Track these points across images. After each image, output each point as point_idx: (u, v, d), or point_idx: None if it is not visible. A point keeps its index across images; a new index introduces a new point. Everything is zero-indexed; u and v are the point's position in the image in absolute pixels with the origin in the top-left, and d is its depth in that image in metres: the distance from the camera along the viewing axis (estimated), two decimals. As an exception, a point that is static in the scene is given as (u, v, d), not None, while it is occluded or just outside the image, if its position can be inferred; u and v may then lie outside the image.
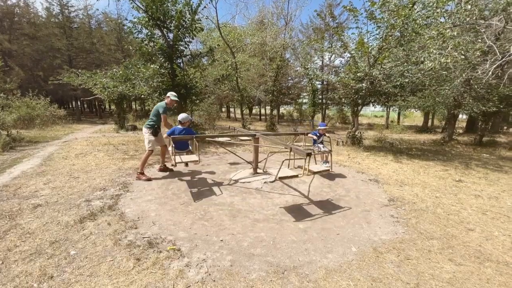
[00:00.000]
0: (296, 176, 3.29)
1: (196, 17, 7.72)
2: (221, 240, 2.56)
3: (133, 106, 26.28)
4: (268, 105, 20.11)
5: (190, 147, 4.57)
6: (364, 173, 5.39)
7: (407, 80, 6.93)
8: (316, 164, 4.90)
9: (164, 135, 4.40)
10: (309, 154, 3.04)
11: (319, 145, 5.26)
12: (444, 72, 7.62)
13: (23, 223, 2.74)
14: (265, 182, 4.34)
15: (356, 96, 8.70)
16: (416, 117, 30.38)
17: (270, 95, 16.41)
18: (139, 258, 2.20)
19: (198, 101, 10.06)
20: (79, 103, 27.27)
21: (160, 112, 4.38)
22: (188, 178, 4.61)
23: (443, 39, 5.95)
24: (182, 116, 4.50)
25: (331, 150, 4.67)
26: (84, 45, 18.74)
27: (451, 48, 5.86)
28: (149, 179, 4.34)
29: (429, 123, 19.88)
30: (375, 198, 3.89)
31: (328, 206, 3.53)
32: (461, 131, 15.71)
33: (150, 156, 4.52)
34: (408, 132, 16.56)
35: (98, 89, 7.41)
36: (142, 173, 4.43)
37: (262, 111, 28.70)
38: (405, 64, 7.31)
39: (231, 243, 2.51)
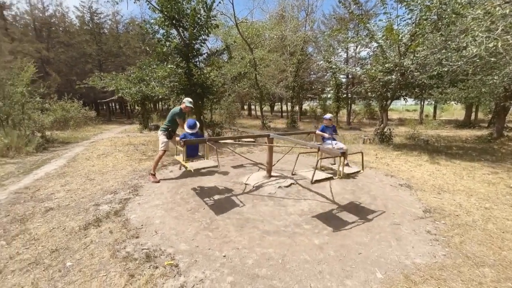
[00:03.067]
0: (331, 178, 2.97)
1: (212, 13, 7.55)
2: (224, 256, 2.30)
3: (158, 106, 27.30)
4: (289, 101, 19.54)
5: (200, 153, 4.33)
6: (393, 177, 4.79)
7: (446, 69, 6.05)
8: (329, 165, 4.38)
9: (177, 138, 4.31)
10: (343, 154, 2.82)
11: (329, 141, 4.76)
12: (492, 59, 6.55)
13: (31, 228, 2.74)
14: (279, 187, 4.00)
15: (385, 89, 7.92)
16: (455, 110, 27.48)
17: (291, 91, 15.85)
18: (132, 275, 2.02)
19: (216, 100, 9.96)
20: (111, 104, 29.06)
21: (176, 118, 4.40)
22: (199, 180, 4.43)
23: (491, 19, 5.03)
24: (190, 122, 4.31)
25: (361, 152, 4.04)
26: (112, 50, 19.77)
27: (501, 30, 4.94)
28: (157, 182, 4.29)
29: (472, 117, 17.78)
30: (407, 208, 3.35)
31: (349, 217, 3.10)
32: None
33: (163, 157, 4.44)
34: (446, 128, 14.96)
35: (118, 90, 7.61)
36: (153, 175, 4.39)
37: (284, 107, 28.07)
38: (444, 51, 6.40)
39: (234, 260, 2.24)
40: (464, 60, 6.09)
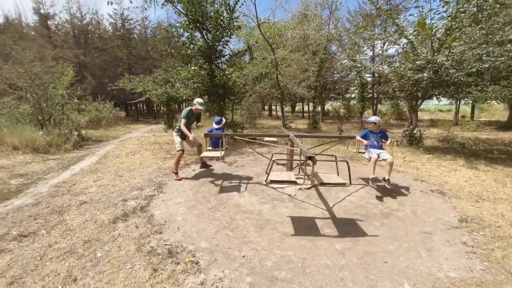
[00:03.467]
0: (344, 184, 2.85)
1: (234, 15, 7.65)
2: (243, 256, 2.30)
3: (182, 107, 28.29)
4: (311, 101, 19.16)
5: (227, 146, 4.76)
6: (424, 181, 4.47)
7: (486, 66, 5.52)
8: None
9: (190, 137, 4.42)
10: (309, 158, 2.70)
11: (373, 149, 3.96)
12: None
13: (67, 220, 2.98)
14: (299, 189, 3.92)
15: (415, 88, 7.43)
16: (497, 110, 24.99)
17: (313, 91, 15.52)
18: (156, 269, 2.10)
19: (237, 100, 10.07)
20: (139, 105, 30.70)
21: (181, 116, 4.51)
22: (220, 179, 4.50)
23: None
24: (217, 119, 5.01)
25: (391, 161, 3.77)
26: (140, 53, 20.90)
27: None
28: (179, 179, 4.45)
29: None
30: (439, 216, 3.11)
31: (374, 223, 2.95)
32: None
33: (182, 157, 4.58)
34: (486, 130, 13.67)
35: (145, 92, 8.01)
36: (176, 173, 4.55)
37: (306, 108, 27.60)
38: (484, 45, 5.84)
39: (254, 261, 2.23)
40: (509, 54, 5.51)
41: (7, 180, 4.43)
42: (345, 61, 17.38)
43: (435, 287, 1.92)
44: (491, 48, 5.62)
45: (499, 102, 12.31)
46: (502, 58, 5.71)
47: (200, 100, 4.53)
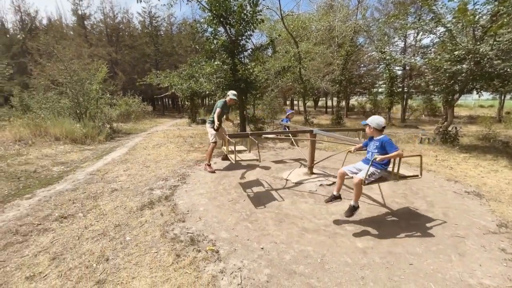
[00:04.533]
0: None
1: (258, 8, 7.58)
2: (262, 248, 2.33)
3: (205, 102, 28.96)
4: (335, 96, 18.51)
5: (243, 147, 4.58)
6: (458, 182, 4.14)
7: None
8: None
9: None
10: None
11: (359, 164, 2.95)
12: None
13: (101, 205, 3.23)
14: (320, 185, 3.85)
15: (452, 81, 6.83)
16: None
17: (337, 85, 14.96)
18: (179, 255, 2.21)
19: (258, 95, 10.05)
20: (165, 100, 31.94)
21: (217, 106, 4.58)
22: (241, 173, 4.57)
23: None
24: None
25: (420, 155, 3.17)
26: (166, 49, 21.67)
27: None
28: (213, 171, 4.56)
29: None
30: (475, 220, 2.87)
31: (399, 223, 2.81)
32: None
33: (214, 148, 4.72)
34: (535, 127, 12.19)
35: (171, 87, 8.31)
36: (209, 165, 4.69)
37: (329, 102, 26.76)
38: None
39: (272, 254, 2.25)
40: None
41: (50, 167, 4.90)
42: (373, 53, 16.48)
43: (467, 294, 1.79)
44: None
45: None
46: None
47: (234, 91, 4.65)
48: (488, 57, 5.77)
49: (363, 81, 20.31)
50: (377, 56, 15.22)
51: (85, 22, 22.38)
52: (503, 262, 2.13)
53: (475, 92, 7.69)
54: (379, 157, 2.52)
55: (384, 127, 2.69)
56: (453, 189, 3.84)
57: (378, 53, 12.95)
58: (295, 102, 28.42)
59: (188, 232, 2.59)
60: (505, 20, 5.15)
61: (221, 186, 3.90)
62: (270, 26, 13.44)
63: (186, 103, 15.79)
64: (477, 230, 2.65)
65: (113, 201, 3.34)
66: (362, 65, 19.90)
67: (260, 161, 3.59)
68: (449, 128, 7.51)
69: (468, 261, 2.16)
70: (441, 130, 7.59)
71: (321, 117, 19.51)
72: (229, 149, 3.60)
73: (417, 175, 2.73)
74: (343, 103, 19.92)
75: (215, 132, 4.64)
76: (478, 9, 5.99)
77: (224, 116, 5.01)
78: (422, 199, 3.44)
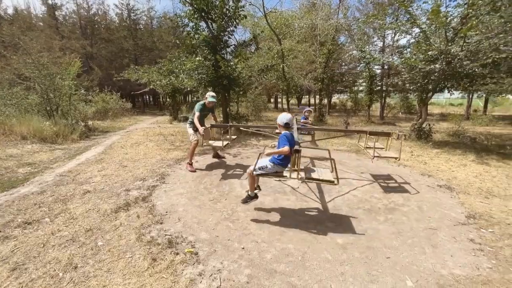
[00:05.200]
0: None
1: (240, 4, 7.46)
2: (243, 248, 2.28)
3: (187, 99, 28.30)
4: (317, 94, 18.83)
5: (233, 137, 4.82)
6: (431, 176, 4.35)
7: (504, 56, 5.24)
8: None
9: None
10: (296, 151, 2.61)
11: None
12: None
13: (71, 208, 3.01)
14: (302, 182, 3.86)
15: (426, 80, 7.15)
16: (511, 105, 24.08)
17: (320, 83, 15.21)
18: (155, 259, 2.10)
19: (242, 92, 9.96)
20: (146, 97, 30.80)
21: (195, 110, 4.46)
22: (223, 171, 4.48)
23: None
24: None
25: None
26: (146, 44, 20.80)
27: None
28: (194, 171, 4.44)
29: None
30: (446, 212, 3.01)
31: (378, 218, 2.88)
32: None
33: (196, 147, 4.59)
34: (499, 124, 13.19)
35: (149, 82, 7.98)
36: (190, 164, 4.56)
37: (312, 100, 27.19)
38: (502, 35, 5.54)
39: (253, 253, 2.21)
40: None
41: (15, 168, 4.52)
42: (354, 52, 16.92)
43: (439, 284, 1.86)
44: (509, 38, 5.33)
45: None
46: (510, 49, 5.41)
47: (212, 93, 4.51)
48: (458, 57, 6.10)
49: (344, 79, 20.80)
50: (357, 55, 15.64)
51: (56, 13, 20.89)
52: (472, 252, 2.24)
53: (446, 91, 8.12)
54: (266, 152, 2.65)
55: (286, 124, 2.69)
56: (427, 183, 4.03)
57: (358, 52, 13.29)
58: (279, 100, 28.57)
59: (166, 234, 2.48)
60: (474, 22, 5.45)
61: (202, 185, 3.80)
62: (254, 22, 13.37)
63: (168, 100, 15.27)
64: (448, 222, 2.78)
65: (85, 204, 3.13)
66: (343, 63, 20.36)
67: (223, 150, 3.87)
68: (423, 125, 7.89)
69: (440, 252, 2.25)
70: (416, 127, 7.95)
71: (305, 114, 19.75)
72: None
73: (333, 181, 2.58)
74: (325, 101, 20.30)
75: (194, 132, 4.56)
76: (450, 11, 6.30)
77: (213, 117, 4.93)
78: (398, 194, 3.57)
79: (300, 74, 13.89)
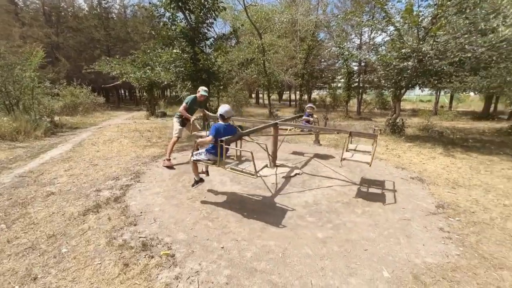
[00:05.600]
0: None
1: (220, -6, 7.22)
2: (222, 248, 2.21)
3: (166, 93, 27.29)
4: (298, 90, 19.03)
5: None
6: (404, 169, 4.56)
7: (469, 55, 5.59)
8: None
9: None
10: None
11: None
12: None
13: (32, 213, 2.74)
14: (283, 177, 3.86)
15: (399, 77, 7.47)
16: (472, 101, 26.15)
17: (300, 79, 15.35)
18: (127, 264, 1.96)
19: (222, 87, 9.75)
20: (121, 91, 29.27)
21: (191, 105, 4.33)
22: (203, 169, 4.34)
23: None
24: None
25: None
26: (119, 35, 19.61)
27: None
28: (171, 167, 4.27)
29: (491, 109, 16.84)
30: (418, 203, 3.16)
31: (355, 210, 2.94)
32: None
33: (176, 143, 4.42)
34: (462, 119, 14.27)
35: (122, 75, 7.50)
36: (168, 159, 4.39)
37: (293, 96, 27.50)
38: (467, 35, 5.90)
39: (233, 253, 2.15)
40: (487, 44, 5.57)
41: (-35, 170, 4.03)
42: (333, 48, 17.25)
43: (413, 273, 1.93)
44: (473, 38, 5.69)
45: (476, 93, 12.78)
46: (483, 49, 5.80)
47: (205, 88, 4.41)
48: (428, 55, 6.41)
49: (323, 75, 21.20)
50: (336, 52, 15.97)
51: (15, -3, 18.93)
52: (442, 240, 2.36)
53: (418, 87, 8.56)
54: (198, 140, 2.89)
55: (221, 115, 2.85)
56: (401, 175, 4.21)
57: (337, 48, 13.57)
58: (260, 95, 28.54)
59: (140, 237, 2.33)
60: (443, 22, 5.73)
61: (180, 183, 3.65)
62: (234, 15, 13.08)
63: (144, 94, 14.56)
64: (420, 212, 2.91)
65: (48, 207, 2.85)
66: (322, 60, 20.72)
67: (256, 176, 2.72)
68: (397, 120, 8.27)
69: (413, 242, 2.34)
70: (390, 122, 8.31)
71: (285, 110, 19.93)
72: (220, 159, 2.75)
73: (253, 174, 2.66)
74: (306, 97, 20.61)
75: (181, 127, 4.44)
76: (421, 11, 6.58)
77: (203, 112, 4.72)
78: (375, 187, 3.68)
79: (281, 70, 13.91)
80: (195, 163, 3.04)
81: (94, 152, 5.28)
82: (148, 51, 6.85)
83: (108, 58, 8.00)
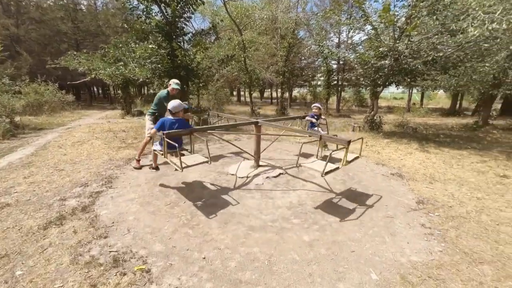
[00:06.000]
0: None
1: (196, -12, 6.91)
2: (204, 258, 2.05)
3: (142, 91, 26.10)
4: (279, 87, 19.07)
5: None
6: (384, 165, 4.66)
7: (441, 54, 5.84)
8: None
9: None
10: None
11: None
12: (485, 44, 6.39)
13: (-20, 229, 2.37)
14: (267, 177, 3.76)
15: (377, 75, 7.68)
16: (440, 98, 28.00)
17: (281, 77, 15.38)
18: (95, 284, 1.74)
19: (202, 84, 9.44)
20: (93, 88, 27.55)
21: (163, 102, 3.99)
22: (182, 171, 4.11)
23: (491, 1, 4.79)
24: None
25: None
26: (89, 28, 18.30)
27: (500, 14, 4.72)
28: (140, 167, 3.94)
29: (457, 106, 18.08)
30: (400, 199, 3.21)
31: (340, 209, 2.91)
32: (494, 113, 14.08)
33: (148, 143, 4.08)
34: (433, 116, 15.14)
35: (90, 71, 6.93)
36: (138, 160, 4.05)
37: (274, 94, 27.58)
38: (438, 35, 6.18)
39: (215, 263, 1.99)
40: (455, 45, 5.85)
41: None
42: (313, 46, 17.46)
43: (400, 274, 1.91)
44: (445, 38, 5.96)
45: (445, 90, 13.61)
46: (450, 50, 6.10)
47: (176, 80, 4.09)
48: (404, 54, 6.64)
49: (303, 73, 21.47)
50: (316, 50, 16.17)
51: (-36, -17, 16.88)
52: (424, 237, 2.39)
53: (393, 85, 8.88)
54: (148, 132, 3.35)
55: (170, 110, 3.13)
56: (382, 172, 4.29)
57: (317, 46, 13.74)
58: (242, 93, 28.29)
59: (110, 251, 2.09)
60: (418, 22, 5.93)
61: (158, 188, 3.40)
62: (213, 11, 12.71)
63: (119, 92, 13.74)
64: (402, 209, 2.95)
65: (1, 222, 2.50)
66: (302, 58, 20.95)
67: (210, 162, 2.96)
68: (375, 117, 8.53)
69: (398, 240, 2.34)
70: (369, 119, 8.56)
71: (267, 107, 19.91)
72: (165, 153, 2.88)
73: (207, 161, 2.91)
74: (287, 94, 20.74)
75: (153, 126, 4.07)
76: (397, 12, 6.77)
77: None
78: (358, 184, 3.70)
79: (262, 67, 13.81)
80: (154, 152, 3.40)
81: (60, 156, 4.81)
82: (120, 45, 6.37)
83: (75, 53, 7.34)
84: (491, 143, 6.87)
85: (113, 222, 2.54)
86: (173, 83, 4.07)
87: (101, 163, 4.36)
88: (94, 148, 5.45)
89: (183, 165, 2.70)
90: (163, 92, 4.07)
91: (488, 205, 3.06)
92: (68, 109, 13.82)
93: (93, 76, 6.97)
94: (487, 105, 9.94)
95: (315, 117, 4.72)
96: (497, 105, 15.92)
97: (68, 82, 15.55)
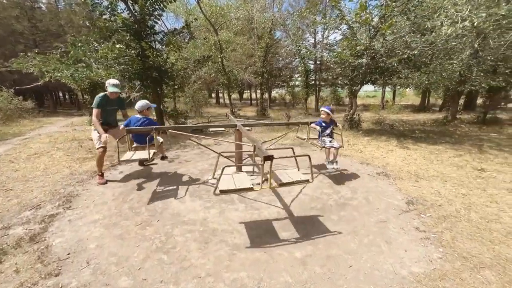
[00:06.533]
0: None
1: (167, -16, 6.46)
2: (181, 292, 1.72)
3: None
4: (258, 88, 18.92)
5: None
6: (369, 165, 4.59)
7: (415, 52, 5.97)
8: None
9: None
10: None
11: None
12: (453, 43, 6.68)
13: None
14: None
15: (355, 73, 7.75)
16: (409, 95, 29.70)
17: (260, 78, 15.21)
18: None
19: (178, 86, 8.93)
20: (58, 93, 25.49)
21: (93, 106, 3.51)
22: (157, 181, 3.70)
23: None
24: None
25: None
26: (49, 28, 16.80)
27: (467, 12, 4.89)
28: (105, 182, 3.58)
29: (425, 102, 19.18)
30: (389, 201, 3.10)
31: (331, 217, 2.72)
32: (459, 109, 15.09)
33: (104, 154, 3.59)
34: (405, 112, 15.87)
35: (43, 74, 6.17)
36: (100, 175, 3.65)
37: (253, 95, 27.42)
38: (410, 34, 6.35)
39: (195, 297, 1.67)
40: (425, 44, 6.02)
41: None
42: (290, 46, 17.54)
43: (403, 290, 1.73)
44: (418, 37, 6.12)
45: (416, 88, 14.29)
46: (424, 49, 6.28)
47: (112, 80, 3.59)
48: (379, 53, 6.74)
49: (282, 74, 21.55)
50: (293, 49, 16.24)
51: None
52: (421, 242, 2.26)
53: (371, 83, 9.05)
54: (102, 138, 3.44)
55: (137, 109, 3.62)
56: (367, 171, 4.20)
57: (294, 46, 13.76)
58: (220, 95, 27.81)
59: (62, 294, 1.69)
60: (393, 20, 6.01)
61: (127, 205, 2.98)
62: (186, 9, 12.20)
63: (85, 97, 12.68)
64: (393, 211, 2.83)
65: None
66: (280, 58, 21.01)
67: (149, 160, 3.19)
68: (354, 116, 8.62)
69: (395, 248, 2.18)
70: (348, 117, 8.63)
71: (247, 109, 19.67)
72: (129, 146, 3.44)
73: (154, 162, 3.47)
74: (266, 95, 20.66)
75: (98, 135, 3.52)
76: (372, 10, 6.86)
77: (122, 113, 3.95)
78: (346, 186, 3.56)
79: (240, 68, 13.53)
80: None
81: (10, 172, 4.14)
82: (80, 44, 5.72)
83: (28, 54, 6.51)
84: (462, 137, 7.19)
85: (68, 254, 2.11)
86: (110, 85, 3.56)
87: (60, 179, 3.80)
88: (54, 161, 4.81)
89: (124, 158, 3.16)
90: (98, 97, 3.54)
91: (474, 201, 3.05)
92: (27, 117, 12.51)
93: (46, 79, 6.20)
94: (454, 101, 10.53)
95: (323, 124, 3.97)
96: (461, 100, 17.11)
97: (16, 87, 14.02)
